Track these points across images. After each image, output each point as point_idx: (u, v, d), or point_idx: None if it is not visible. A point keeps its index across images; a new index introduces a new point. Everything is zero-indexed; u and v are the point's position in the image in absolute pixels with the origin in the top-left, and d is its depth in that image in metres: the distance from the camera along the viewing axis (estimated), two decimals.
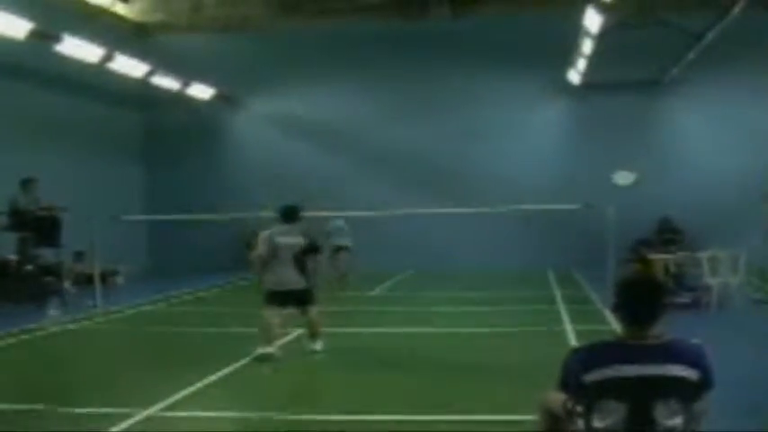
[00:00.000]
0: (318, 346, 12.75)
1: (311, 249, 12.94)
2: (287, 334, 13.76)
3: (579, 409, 4.67)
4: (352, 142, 29.66)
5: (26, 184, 19.95)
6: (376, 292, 22.36)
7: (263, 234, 12.66)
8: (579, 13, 20.02)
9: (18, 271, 20.48)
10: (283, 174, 29.11)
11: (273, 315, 12.39)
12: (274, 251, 12.43)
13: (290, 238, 12.57)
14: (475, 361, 12.55)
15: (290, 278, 12.46)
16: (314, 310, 12.71)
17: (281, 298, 12.46)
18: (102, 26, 25.54)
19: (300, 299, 12.57)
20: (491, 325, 16.14)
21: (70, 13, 23.41)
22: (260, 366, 11.89)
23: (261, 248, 12.53)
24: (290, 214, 12.86)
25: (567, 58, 25.05)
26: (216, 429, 9.17)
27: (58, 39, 20.48)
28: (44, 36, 20.02)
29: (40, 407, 9.73)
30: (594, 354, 4.72)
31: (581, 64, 24.78)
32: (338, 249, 22.14)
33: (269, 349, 12.21)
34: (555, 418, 4.87)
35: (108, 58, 22.63)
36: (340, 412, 9.23)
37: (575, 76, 26.45)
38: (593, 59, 23.82)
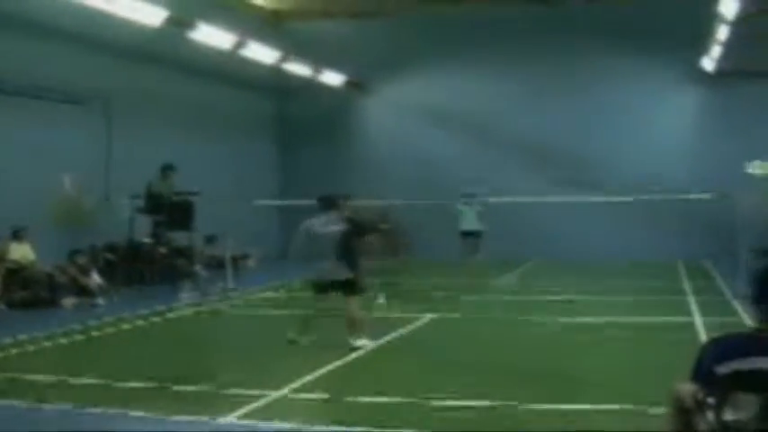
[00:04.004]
0: (358, 342, 12.19)
1: (356, 233, 12.75)
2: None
3: (710, 401, 4.47)
4: (483, 129, 29.33)
5: (165, 170, 20.30)
6: (501, 280, 22.00)
7: (302, 225, 12.62)
8: None
9: (151, 254, 20.98)
10: (413, 160, 29.15)
11: (320, 302, 12.56)
12: (314, 241, 12.38)
13: (328, 228, 12.42)
14: (601, 351, 12.35)
15: (330, 268, 12.32)
16: (353, 303, 12.38)
17: (323, 287, 12.47)
18: (236, 13, 25.87)
19: (342, 288, 12.39)
20: (619, 315, 15.75)
21: (204, 1, 23.76)
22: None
23: (296, 239, 12.62)
24: (325, 203, 12.73)
25: (701, 45, 24.24)
26: (342, 411, 9.11)
27: (192, 26, 20.82)
28: (179, 23, 20.37)
29: (175, 386, 9.92)
30: (729, 345, 4.51)
31: (715, 51, 23.94)
32: (464, 235, 21.72)
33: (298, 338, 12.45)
34: (685, 410, 4.66)
35: (240, 44, 22.91)
36: (470, 397, 9.09)
37: (708, 63, 25.60)
38: (729, 46, 22.92)
